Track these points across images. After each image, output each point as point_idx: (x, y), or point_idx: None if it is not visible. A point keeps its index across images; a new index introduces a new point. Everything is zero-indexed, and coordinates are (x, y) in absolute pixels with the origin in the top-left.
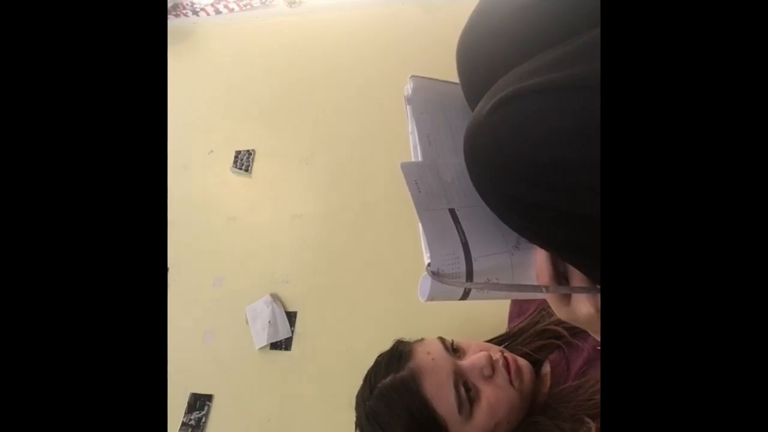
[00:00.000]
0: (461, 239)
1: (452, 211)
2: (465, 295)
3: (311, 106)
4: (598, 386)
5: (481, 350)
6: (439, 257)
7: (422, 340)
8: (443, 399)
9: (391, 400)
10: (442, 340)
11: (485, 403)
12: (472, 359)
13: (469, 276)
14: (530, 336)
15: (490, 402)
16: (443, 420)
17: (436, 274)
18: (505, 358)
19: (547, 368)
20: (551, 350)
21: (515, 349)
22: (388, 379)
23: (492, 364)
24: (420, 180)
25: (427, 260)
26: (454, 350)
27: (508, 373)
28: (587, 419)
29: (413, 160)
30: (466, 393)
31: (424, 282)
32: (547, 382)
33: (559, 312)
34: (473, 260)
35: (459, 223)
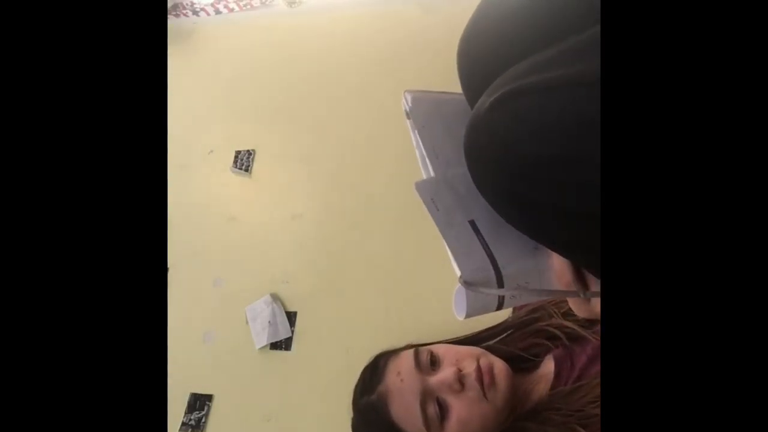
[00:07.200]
0: (485, 250)
1: (472, 223)
2: (500, 305)
3: (311, 106)
4: (591, 396)
5: (457, 360)
6: (468, 272)
7: (398, 353)
8: (411, 420)
9: (367, 420)
10: (416, 353)
11: (455, 419)
12: (440, 376)
13: (500, 283)
14: (527, 333)
15: (460, 418)
16: None
17: (469, 284)
18: (479, 369)
19: (547, 369)
20: (547, 350)
21: (508, 345)
22: (363, 401)
23: (460, 379)
24: (436, 197)
25: (458, 273)
26: (431, 362)
27: (482, 385)
28: (579, 428)
29: (423, 173)
30: (439, 410)
31: (458, 298)
32: (546, 384)
33: (579, 310)
34: (501, 268)
35: (480, 233)
